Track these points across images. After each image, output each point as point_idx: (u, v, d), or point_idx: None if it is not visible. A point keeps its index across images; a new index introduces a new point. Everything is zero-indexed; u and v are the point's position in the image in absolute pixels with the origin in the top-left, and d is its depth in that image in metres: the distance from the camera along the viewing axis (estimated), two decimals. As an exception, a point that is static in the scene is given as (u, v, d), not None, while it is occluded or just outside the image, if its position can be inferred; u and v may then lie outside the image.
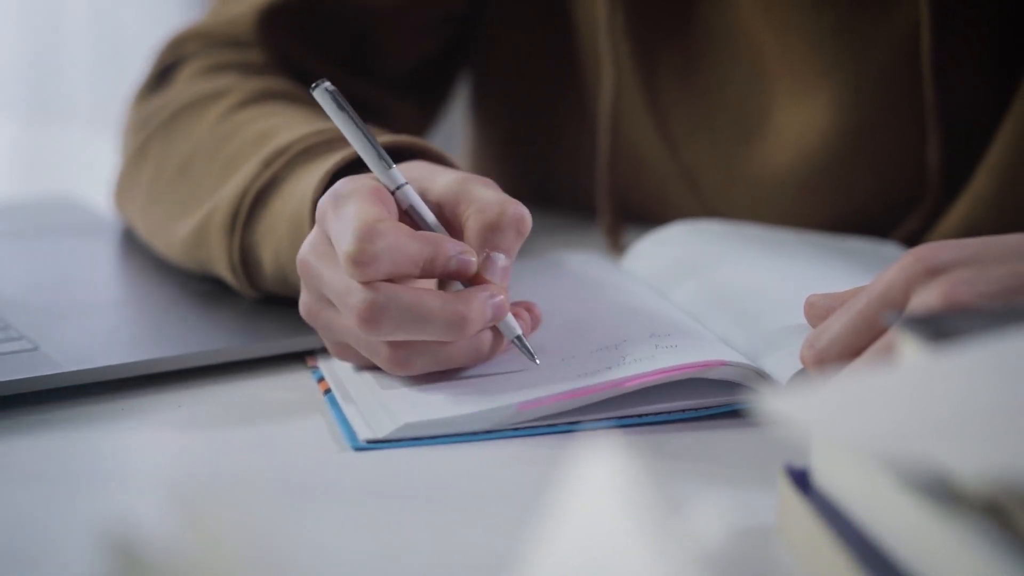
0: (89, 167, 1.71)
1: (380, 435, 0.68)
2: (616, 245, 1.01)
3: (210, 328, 0.84)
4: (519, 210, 0.71)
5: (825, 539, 0.53)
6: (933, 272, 0.64)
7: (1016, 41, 0.89)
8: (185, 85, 0.98)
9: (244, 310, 0.86)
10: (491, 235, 0.71)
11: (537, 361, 0.72)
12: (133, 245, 1.01)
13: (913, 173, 0.93)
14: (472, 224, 0.71)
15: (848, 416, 0.48)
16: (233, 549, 0.43)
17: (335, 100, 0.73)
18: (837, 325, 0.66)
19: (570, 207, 1.09)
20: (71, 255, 1.02)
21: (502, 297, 0.70)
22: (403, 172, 0.73)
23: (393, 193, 0.72)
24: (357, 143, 0.73)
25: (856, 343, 0.66)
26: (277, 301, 0.85)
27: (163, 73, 1.01)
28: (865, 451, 0.50)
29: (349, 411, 0.71)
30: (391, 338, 0.70)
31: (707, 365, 0.69)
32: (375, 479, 0.65)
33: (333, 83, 0.99)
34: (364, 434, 0.68)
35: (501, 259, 0.71)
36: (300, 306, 0.74)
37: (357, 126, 0.73)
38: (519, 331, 0.72)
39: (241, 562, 0.41)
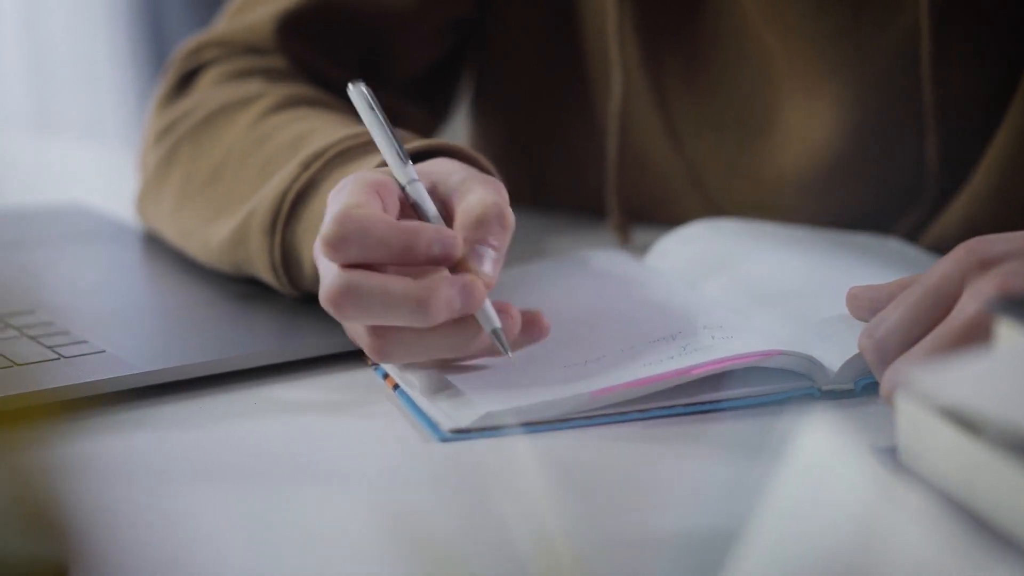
0: (40, 172, 1.72)
1: (463, 425, 0.72)
2: (626, 243, 1.05)
3: (262, 328, 0.87)
4: (500, 206, 0.74)
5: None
6: (986, 264, 0.69)
7: (1014, 45, 0.94)
8: (209, 91, 1.00)
9: (285, 311, 0.89)
10: (476, 229, 0.73)
11: (510, 355, 0.73)
12: (154, 249, 1.03)
13: (913, 171, 0.98)
14: (458, 220, 0.74)
15: (968, 392, 0.53)
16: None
17: (366, 100, 0.78)
18: (895, 315, 0.71)
19: (571, 207, 1.12)
20: (97, 261, 1.04)
21: (473, 283, 0.71)
22: (422, 169, 0.78)
23: (403, 188, 0.76)
24: (379, 139, 0.77)
25: (913, 332, 0.70)
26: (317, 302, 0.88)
27: (182, 80, 1.03)
28: (988, 423, 0.54)
29: (423, 404, 0.75)
30: (359, 322, 0.73)
31: (767, 354, 0.74)
32: (490, 466, 0.68)
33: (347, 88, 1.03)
34: (447, 425, 0.72)
35: (488, 251, 0.73)
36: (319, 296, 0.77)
37: (382, 124, 0.78)
38: (497, 323, 0.73)
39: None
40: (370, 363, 0.82)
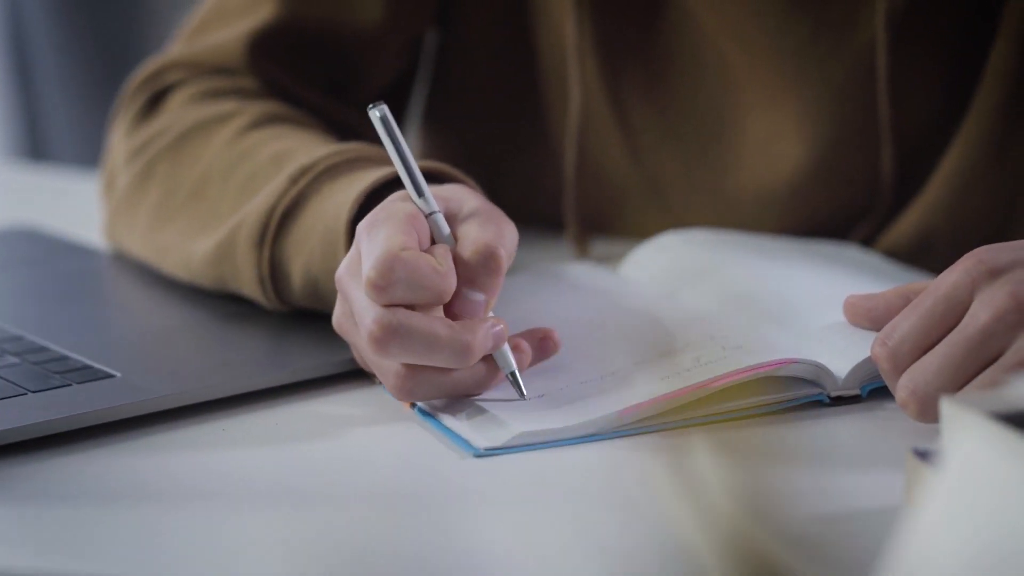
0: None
1: (497, 444, 0.73)
2: (584, 255, 1.07)
3: (259, 347, 0.88)
4: (491, 249, 0.76)
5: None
6: (995, 273, 0.73)
7: (968, 61, 0.99)
8: (182, 111, 1.00)
9: (273, 330, 0.89)
10: (465, 270, 0.76)
11: (525, 397, 0.77)
12: (114, 269, 1.03)
13: (869, 183, 1.02)
14: (455, 256, 0.77)
15: None
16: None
17: (385, 125, 0.78)
18: (907, 324, 0.75)
19: (525, 220, 1.14)
20: (60, 282, 1.03)
21: (501, 328, 0.76)
22: (438, 194, 0.79)
23: (427, 218, 0.78)
24: (400, 166, 0.78)
25: (926, 340, 0.74)
26: (306, 321, 0.89)
27: (149, 103, 1.03)
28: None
29: (448, 421, 0.76)
30: (400, 360, 0.75)
31: (781, 363, 0.77)
32: (543, 480, 0.70)
33: (316, 107, 1.04)
34: (479, 443, 0.74)
35: (475, 296, 0.76)
36: (333, 318, 0.80)
37: (398, 152, 0.78)
38: (514, 366, 0.77)
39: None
40: (378, 381, 0.83)
